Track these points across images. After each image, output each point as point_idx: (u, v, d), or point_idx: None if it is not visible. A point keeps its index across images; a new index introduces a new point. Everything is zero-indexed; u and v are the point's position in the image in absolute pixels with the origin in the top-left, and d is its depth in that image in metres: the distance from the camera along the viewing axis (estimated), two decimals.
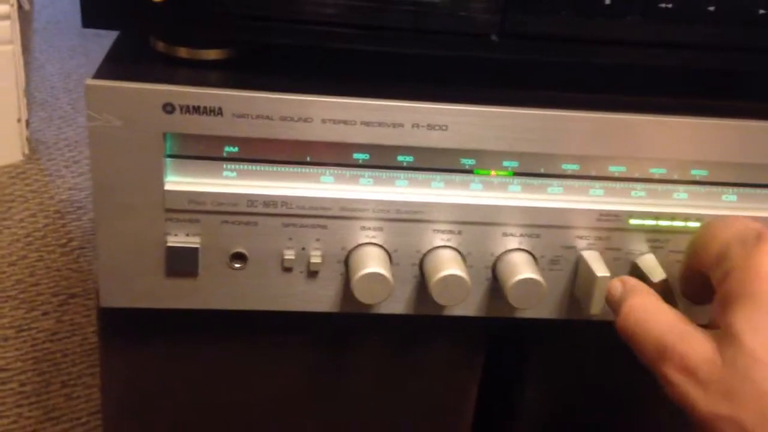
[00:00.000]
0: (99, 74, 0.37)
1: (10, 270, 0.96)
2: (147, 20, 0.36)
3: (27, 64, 1.51)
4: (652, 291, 0.36)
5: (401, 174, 0.41)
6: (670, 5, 0.37)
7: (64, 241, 1.04)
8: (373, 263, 0.40)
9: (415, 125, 0.39)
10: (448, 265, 0.40)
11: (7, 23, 1.17)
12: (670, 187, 0.42)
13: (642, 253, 0.42)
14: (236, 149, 0.39)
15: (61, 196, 1.15)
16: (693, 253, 0.36)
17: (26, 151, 1.25)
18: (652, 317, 0.33)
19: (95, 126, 0.37)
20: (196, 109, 0.37)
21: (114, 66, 0.39)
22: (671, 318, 0.33)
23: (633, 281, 0.37)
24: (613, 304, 0.37)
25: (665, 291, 0.40)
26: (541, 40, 0.38)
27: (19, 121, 1.23)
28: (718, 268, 0.33)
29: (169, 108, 0.37)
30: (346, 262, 0.41)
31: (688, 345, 0.31)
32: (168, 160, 0.39)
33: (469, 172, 0.41)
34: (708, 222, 0.36)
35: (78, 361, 0.83)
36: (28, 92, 1.34)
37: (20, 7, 1.98)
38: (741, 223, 0.34)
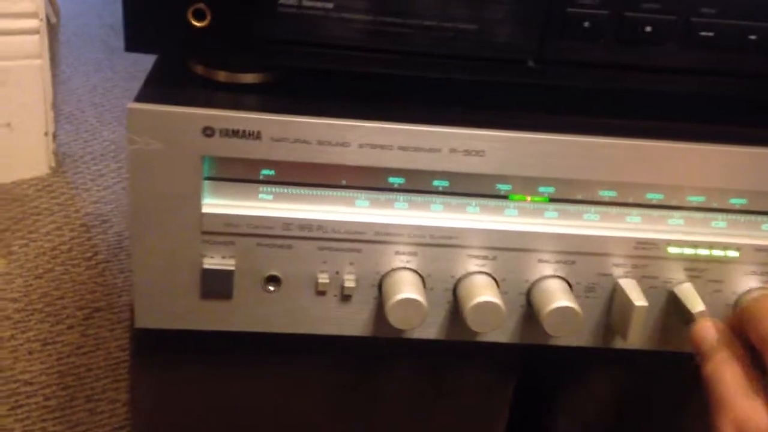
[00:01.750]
0: (140, 98, 0.37)
1: (36, 283, 0.97)
2: (188, 44, 0.37)
3: (54, 77, 1.53)
4: (741, 349, 0.36)
5: (436, 198, 0.41)
6: (711, 34, 0.37)
7: (89, 254, 1.04)
8: (407, 288, 0.40)
9: (453, 150, 0.38)
10: (483, 292, 0.40)
11: (35, 38, 1.18)
12: (708, 215, 0.41)
13: (680, 282, 0.42)
14: (273, 172, 0.39)
15: (87, 209, 1.16)
16: (745, 320, 0.36)
17: (53, 165, 1.26)
18: (743, 390, 0.34)
19: (135, 149, 0.37)
20: (235, 133, 0.37)
21: (154, 89, 0.39)
22: (756, 388, 0.34)
23: (728, 332, 0.37)
24: (701, 344, 0.37)
25: None
26: (578, 66, 0.38)
27: (46, 134, 1.24)
28: None
29: (208, 131, 0.37)
30: (380, 286, 0.41)
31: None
32: (206, 182, 0.39)
33: (505, 197, 0.41)
34: (765, 293, 0.36)
35: (102, 375, 0.83)
36: (55, 105, 1.36)
37: (47, 20, 2.01)
38: None
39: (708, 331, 0.37)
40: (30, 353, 0.85)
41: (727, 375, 0.34)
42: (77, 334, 0.89)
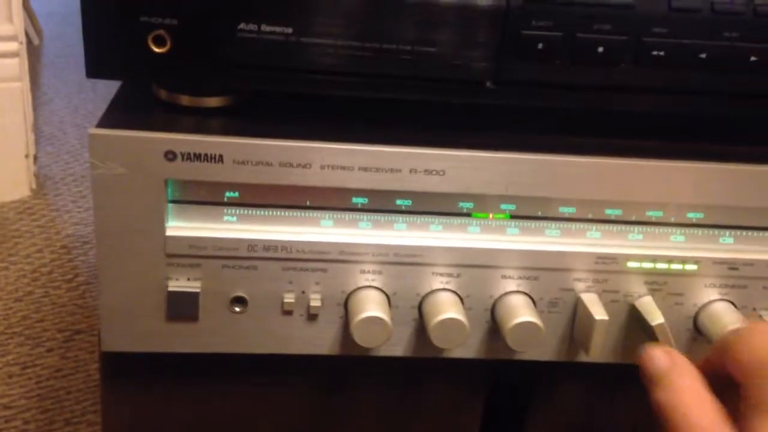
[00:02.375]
0: (102, 123, 0.38)
1: (16, 306, 0.97)
2: (149, 70, 0.37)
3: (35, 98, 1.53)
4: (699, 375, 0.34)
5: (399, 218, 0.41)
6: (662, 53, 0.38)
7: (70, 276, 1.04)
8: (372, 307, 0.40)
9: (413, 170, 0.39)
10: (447, 309, 0.40)
11: (15, 60, 1.19)
12: (666, 229, 0.42)
13: (640, 296, 0.42)
14: (237, 194, 0.40)
15: (68, 231, 1.16)
16: (724, 350, 0.34)
17: (33, 186, 1.27)
18: (696, 409, 0.33)
19: (98, 173, 0.37)
20: (197, 156, 0.38)
21: (117, 114, 0.39)
22: (714, 416, 0.32)
23: (681, 359, 0.35)
24: (652, 374, 0.35)
25: (662, 335, 0.41)
26: (535, 86, 0.39)
27: (26, 156, 1.24)
28: (756, 377, 0.32)
29: (170, 155, 0.37)
30: (346, 305, 0.42)
31: None
32: (170, 205, 0.39)
33: (467, 215, 0.42)
34: (750, 328, 0.34)
35: (82, 398, 0.83)
36: (36, 127, 1.36)
37: (29, 41, 2.02)
38: None
39: (657, 354, 0.35)
40: (9, 377, 0.85)
41: (685, 403, 0.32)
42: (57, 357, 0.89)
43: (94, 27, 0.36)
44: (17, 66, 1.18)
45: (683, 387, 0.33)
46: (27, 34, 1.92)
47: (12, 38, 1.17)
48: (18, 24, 1.17)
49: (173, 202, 0.39)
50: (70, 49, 1.94)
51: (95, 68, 0.37)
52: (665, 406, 0.33)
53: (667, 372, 0.34)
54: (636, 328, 0.43)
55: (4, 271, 1.04)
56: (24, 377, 0.85)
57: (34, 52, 1.92)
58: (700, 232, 0.42)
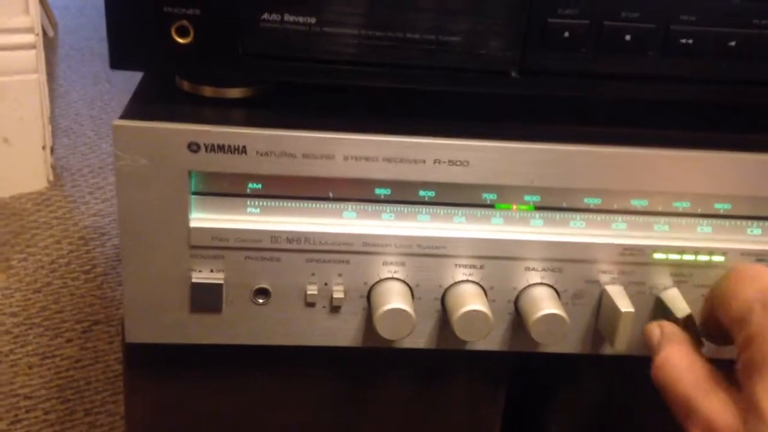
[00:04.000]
0: (126, 114, 0.38)
1: (35, 297, 0.98)
2: (172, 61, 0.37)
3: (51, 90, 1.54)
4: (687, 340, 0.35)
5: (423, 209, 0.41)
6: (690, 41, 0.37)
7: (87, 267, 1.05)
8: (395, 299, 0.40)
9: (437, 161, 0.39)
10: (470, 301, 0.40)
11: (32, 52, 1.19)
12: (693, 220, 0.42)
13: (666, 288, 0.42)
14: (260, 186, 0.40)
15: (85, 222, 1.16)
16: (714, 305, 0.35)
17: (51, 178, 1.27)
18: (683, 373, 0.33)
19: (122, 165, 0.37)
20: (221, 148, 0.37)
21: (140, 106, 0.39)
22: (701, 375, 0.33)
23: (670, 327, 0.36)
24: (651, 349, 0.36)
25: (689, 326, 0.40)
26: (561, 75, 0.39)
27: (43, 148, 1.25)
28: (739, 330, 0.32)
29: (194, 147, 0.37)
30: (369, 296, 0.41)
31: (713, 408, 0.31)
32: (193, 197, 0.39)
33: (491, 206, 0.41)
34: (730, 272, 0.34)
35: (101, 388, 0.83)
36: (53, 119, 1.36)
37: (45, 33, 2.02)
38: (765, 282, 0.32)
39: (651, 329, 0.37)
40: (29, 367, 0.86)
41: (681, 372, 0.33)
42: (76, 348, 0.90)
43: (118, 18, 0.36)
44: (34, 58, 1.19)
45: (671, 353, 0.34)
46: (42, 27, 1.93)
47: (29, 30, 1.17)
48: (34, 16, 1.17)
49: (196, 193, 0.39)
50: (86, 41, 1.95)
51: (119, 60, 0.37)
52: (656, 375, 0.34)
53: (657, 342, 0.35)
54: (662, 319, 0.43)
55: (22, 262, 1.05)
56: (44, 368, 0.86)
57: (49, 45, 1.93)
58: (727, 223, 0.42)
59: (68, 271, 1.03)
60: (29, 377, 0.84)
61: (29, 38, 1.17)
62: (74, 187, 1.26)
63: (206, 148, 0.37)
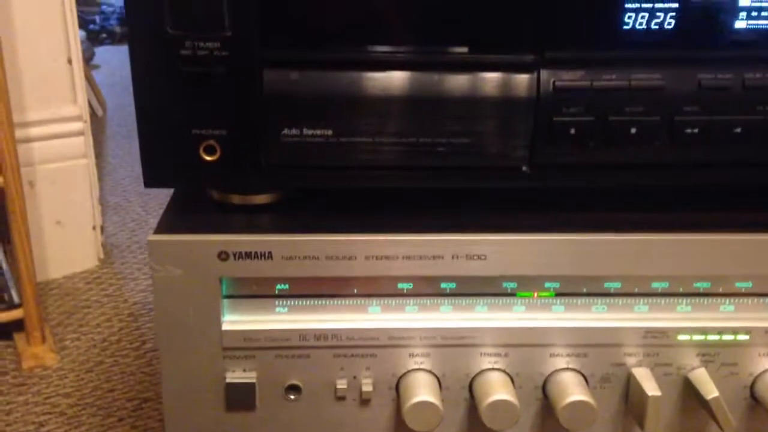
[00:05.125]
0: (159, 229, 0.40)
1: (87, 377, 1.01)
2: (201, 177, 0.40)
3: (100, 169, 1.60)
4: None
5: (445, 300, 0.42)
6: (695, 130, 0.38)
7: (137, 344, 1.08)
8: (422, 391, 0.41)
9: (455, 256, 0.40)
10: (497, 390, 0.41)
11: (80, 139, 1.25)
12: (715, 300, 0.42)
13: (693, 368, 0.42)
14: (287, 286, 0.42)
15: (135, 298, 1.20)
16: None
17: (101, 256, 1.32)
18: None
19: (159, 276, 0.40)
20: (248, 255, 0.40)
21: (172, 218, 0.42)
22: None
23: None
24: None
25: (718, 409, 0.40)
26: (570, 168, 0.40)
27: (94, 228, 1.30)
28: None
29: (223, 256, 0.39)
30: (397, 388, 0.42)
31: None
32: (224, 300, 0.41)
33: (512, 295, 0.42)
34: None
35: None
36: (102, 197, 1.42)
37: (93, 113, 2.12)
38: None
39: None
40: None
41: None
42: (128, 426, 0.92)
43: (150, 140, 0.39)
44: (83, 144, 1.25)
45: None
46: (91, 106, 2.03)
47: (77, 118, 1.24)
48: (82, 104, 1.24)
49: (227, 297, 0.41)
50: (132, 118, 2.03)
51: (152, 179, 0.40)
52: None
53: None
54: (692, 400, 0.43)
55: (75, 342, 1.08)
56: None
57: (98, 124, 2.02)
58: (749, 301, 0.42)
59: (119, 349, 1.07)
60: None
61: (78, 126, 1.24)
62: (124, 264, 1.30)
63: (234, 256, 0.39)
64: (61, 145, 1.23)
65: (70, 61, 1.20)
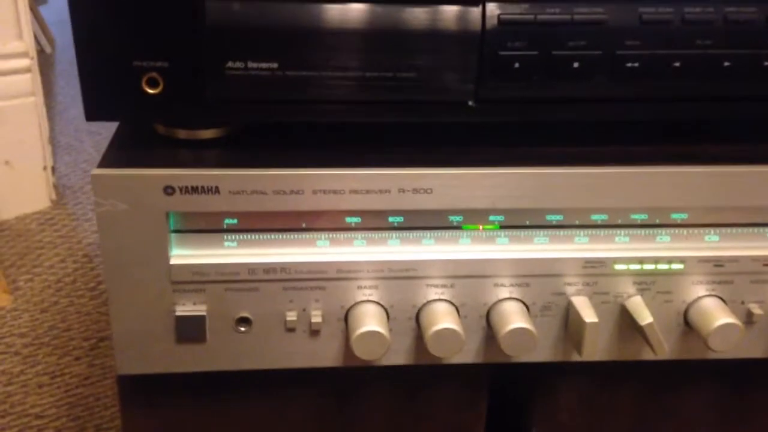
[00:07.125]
0: (104, 163, 0.40)
1: (43, 317, 1.00)
2: (144, 111, 0.39)
3: (50, 108, 1.56)
4: None
5: (393, 234, 0.43)
6: (636, 64, 0.39)
7: (92, 284, 1.07)
8: (369, 321, 0.42)
9: (402, 190, 0.41)
10: (442, 319, 0.42)
11: (28, 76, 1.21)
12: (652, 231, 0.43)
13: (630, 296, 0.44)
14: (236, 221, 0.42)
15: (89, 239, 1.19)
16: None
17: (53, 197, 1.30)
18: None
19: (103, 211, 0.39)
20: (195, 189, 0.40)
21: (117, 152, 0.41)
22: None
23: None
24: None
25: (652, 334, 0.42)
26: (515, 103, 0.40)
27: (44, 168, 1.27)
28: None
29: (169, 190, 0.39)
30: (346, 319, 0.44)
31: None
32: (172, 235, 0.41)
33: (458, 228, 0.43)
34: None
35: (110, 404, 0.86)
36: (53, 137, 1.39)
37: (41, 50, 2.05)
38: None
39: None
40: (39, 387, 0.88)
41: None
42: (84, 365, 0.92)
43: (90, 73, 0.38)
44: (30, 81, 1.21)
45: None
46: (39, 43, 1.96)
47: (23, 54, 1.20)
48: (28, 40, 1.19)
49: (175, 231, 0.41)
50: None
51: (94, 112, 0.39)
52: None
53: None
54: (628, 327, 0.44)
55: (29, 282, 1.07)
56: (53, 386, 0.89)
57: (46, 62, 1.95)
58: (684, 231, 0.44)
59: (74, 289, 1.06)
60: (40, 397, 0.87)
61: (24, 62, 1.20)
62: (77, 204, 1.28)
63: (181, 190, 0.39)
64: (7, 82, 1.19)
65: None
